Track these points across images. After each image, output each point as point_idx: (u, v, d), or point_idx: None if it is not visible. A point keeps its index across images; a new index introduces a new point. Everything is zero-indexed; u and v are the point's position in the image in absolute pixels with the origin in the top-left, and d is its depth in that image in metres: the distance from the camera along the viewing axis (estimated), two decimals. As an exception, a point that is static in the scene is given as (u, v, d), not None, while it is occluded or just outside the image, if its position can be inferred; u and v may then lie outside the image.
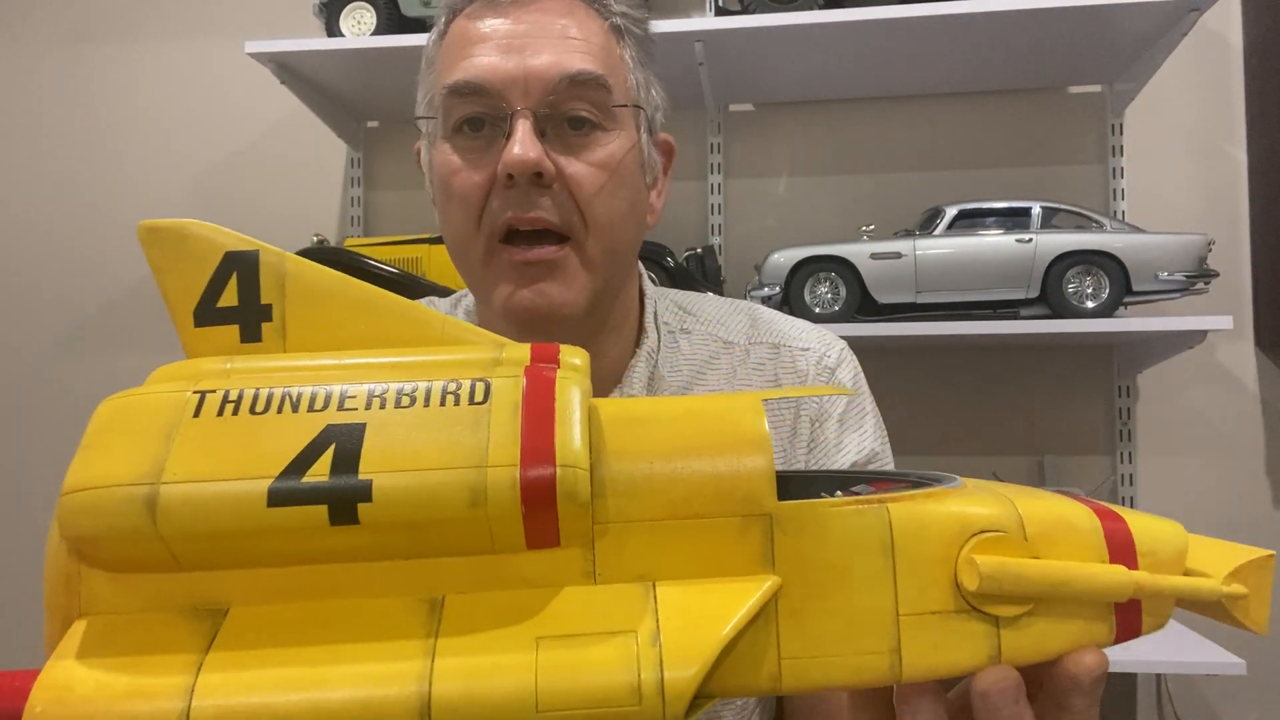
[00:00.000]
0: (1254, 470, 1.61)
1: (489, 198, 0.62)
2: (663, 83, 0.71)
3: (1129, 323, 1.37)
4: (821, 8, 1.45)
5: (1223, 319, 1.32)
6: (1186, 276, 1.36)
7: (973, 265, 1.40)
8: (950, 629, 0.32)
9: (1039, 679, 0.34)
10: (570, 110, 0.62)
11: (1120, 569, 0.33)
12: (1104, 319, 1.37)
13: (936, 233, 1.43)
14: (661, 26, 1.41)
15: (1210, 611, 0.34)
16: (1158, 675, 1.58)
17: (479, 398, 0.32)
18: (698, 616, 0.31)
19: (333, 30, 1.58)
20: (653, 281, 0.78)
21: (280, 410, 0.31)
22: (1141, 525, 0.34)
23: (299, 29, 1.78)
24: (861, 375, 0.75)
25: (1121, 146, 1.65)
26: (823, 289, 1.44)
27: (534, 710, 0.29)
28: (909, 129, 1.72)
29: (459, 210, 0.63)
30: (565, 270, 0.63)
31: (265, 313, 0.35)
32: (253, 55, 1.52)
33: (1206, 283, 1.39)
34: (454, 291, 0.82)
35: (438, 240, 1.54)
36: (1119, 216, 1.61)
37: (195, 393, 0.32)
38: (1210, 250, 1.40)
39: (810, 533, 0.33)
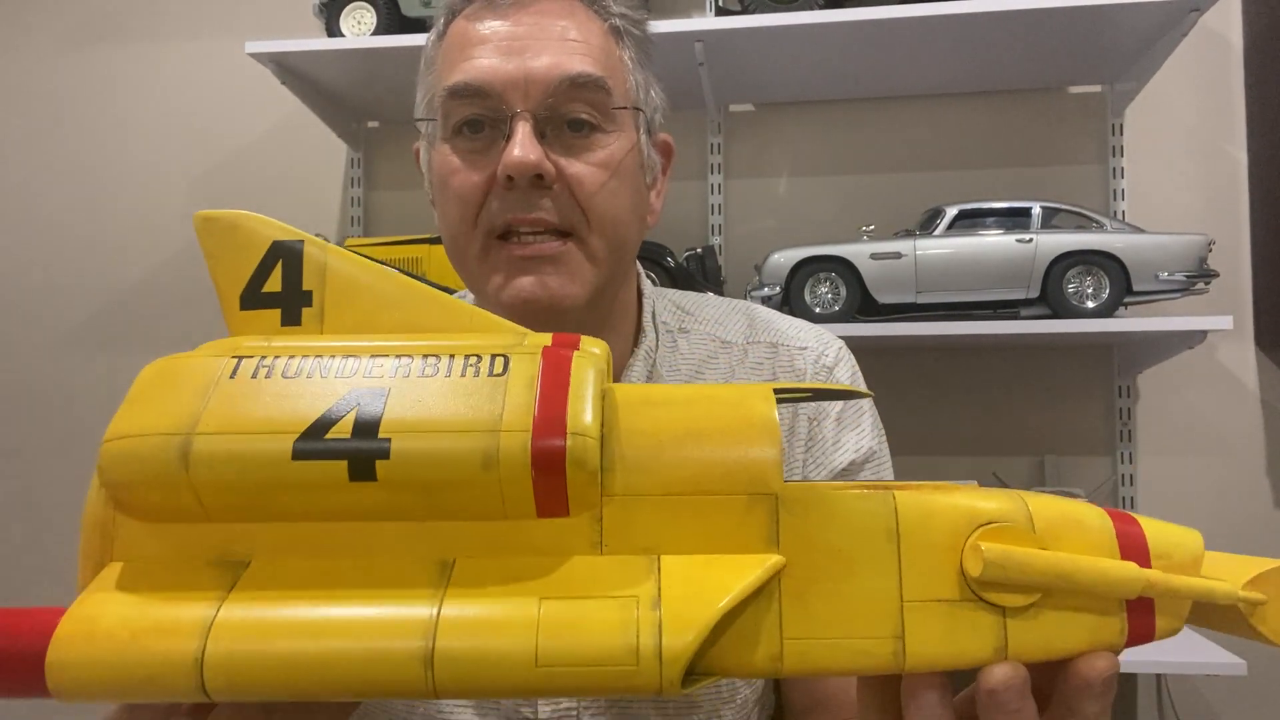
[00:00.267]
0: (1254, 470, 1.61)
1: (487, 198, 0.62)
2: (662, 83, 0.71)
3: (1129, 323, 1.37)
4: (821, 8, 1.45)
5: (1223, 319, 1.32)
6: (1187, 276, 1.36)
7: (973, 265, 1.40)
8: (955, 618, 0.32)
9: (1049, 688, 0.34)
10: (570, 112, 0.62)
11: (1130, 565, 0.32)
12: (1104, 319, 1.37)
13: (937, 233, 1.43)
14: (661, 26, 1.41)
15: (1227, 621, 0.34)
16: (1158, 675, 1.58)
17: (498, 370, 0.33)
18: (699, 587, 0.31)
19: (333, 30, 1.58)
20: (652, 281, 0.78)
21: (310, 376, 0.33)
22: (1156, 529, 0.34)
23: (299, 29, 1.78)
24: (859, 374, 0.75)
25: (1122, 146, 1.65)
26: (823, 289, 1.44)
27: (533, 665, 0.30)
28: (909, 129, 1.72)
29: (456, 209, 0.63)
30: (568, 262, 0.63)
31: (306, 298, 0.37)
32: (253, 55, 1.52)
33: (1207, 283, 1.39)
34: (455, 292, 0.82)
35: (438, 240, 1.54)
36: (1119, 216, 1.61)
37: (234, 358, 0.34)
38: (1210, 250, 1.40)
39: (816, 515, 0.33)
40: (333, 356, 0.34)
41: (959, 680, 0.35)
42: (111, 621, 0.31)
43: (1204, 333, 1.35)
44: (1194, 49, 1.59)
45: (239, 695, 0.30)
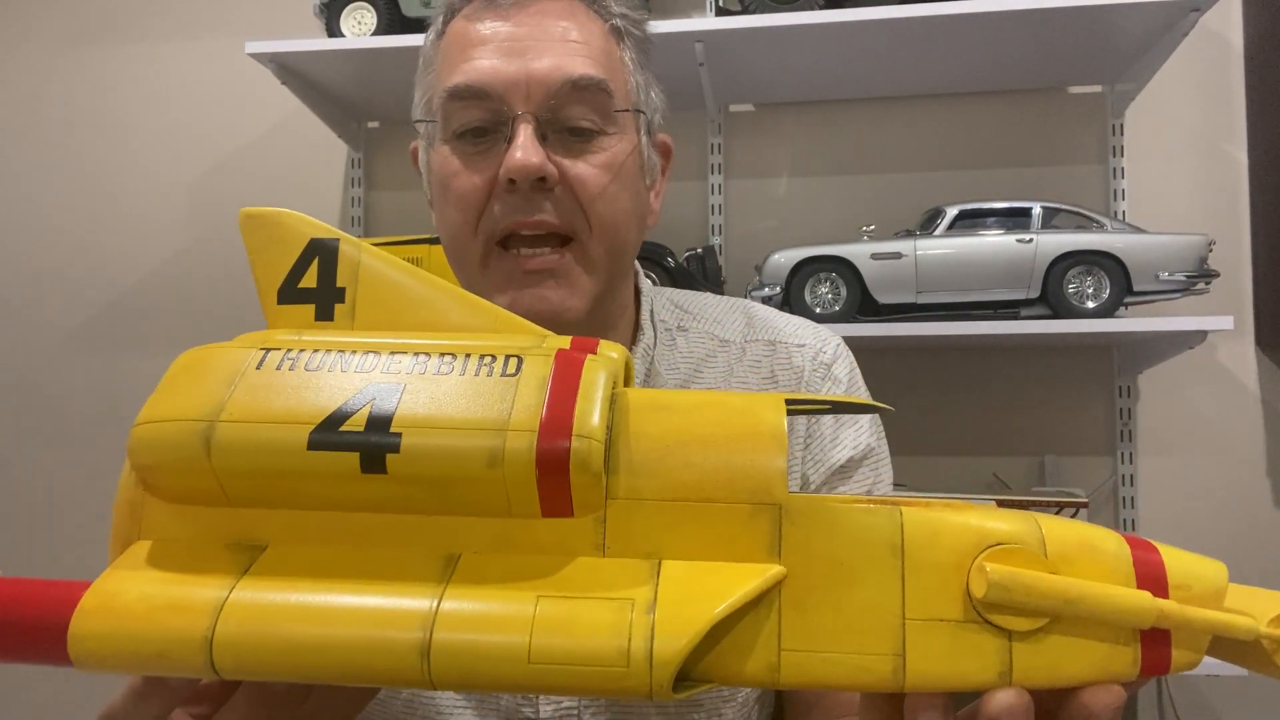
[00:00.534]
0: (1254, 470, 1.61)
1: (489, 201, 0.62)
2: (662, 83, 0.71)
3: (1130, 323, 1.37)
4: (821, 8, 1.45)
5: (1223, 319, 1.32)
6: (1187, 277, 1.36)
7: (973, 265, 1.40)
8: (958, 639, 0.32)
9: (1055, 708, 0.33)
10: (571, 118, 0.62)
11: (1144, 594, 0.31)
12: (1105, 319, 1.37)
13: (937, 233, 1.43)
14: (661, 27, 1.41)
15: (1249, 657, 0.33)
16: (1159, 676, 1.58)
17: (511, 370, 0.34)
18: (696, 593, 0.32)
19: (333, 30, 1.58)
20: (652, 281, 0.78)
21: (331, 370, 0.35)
22: (1177, 558, 0.33)
23: (299, 29, 1.78)
24: (857, 371, 0.75)
25: (1122, 147, 1.65)
26: (823, 289, 1.44)
27: (526, 661, 0.30)
28: (909, 129, 1.72)
29: (456, 212, 0.63)
30: (567, 275, 0.62)
31: (339, 295, 0.39)
32: (253, 55, 1.52)
33: (1207, 283, 1.38)
34: (454, 292, 0.82)
35: (438, 241, 1.54)
36: (1119, 217, 1.61)
37: (262, 349, 0.36)
38: (1211, 250, 1.40)
39: (819, 527, 0.33)
40: (354, 352, 0.35)
41: (960, 701, 0.35)
42: (131, 597, 0.32)
43: (1204, 333, 1.35)
44: (1194, 49, 1.59)
45: (244, 674, 0.31)
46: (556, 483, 0.32)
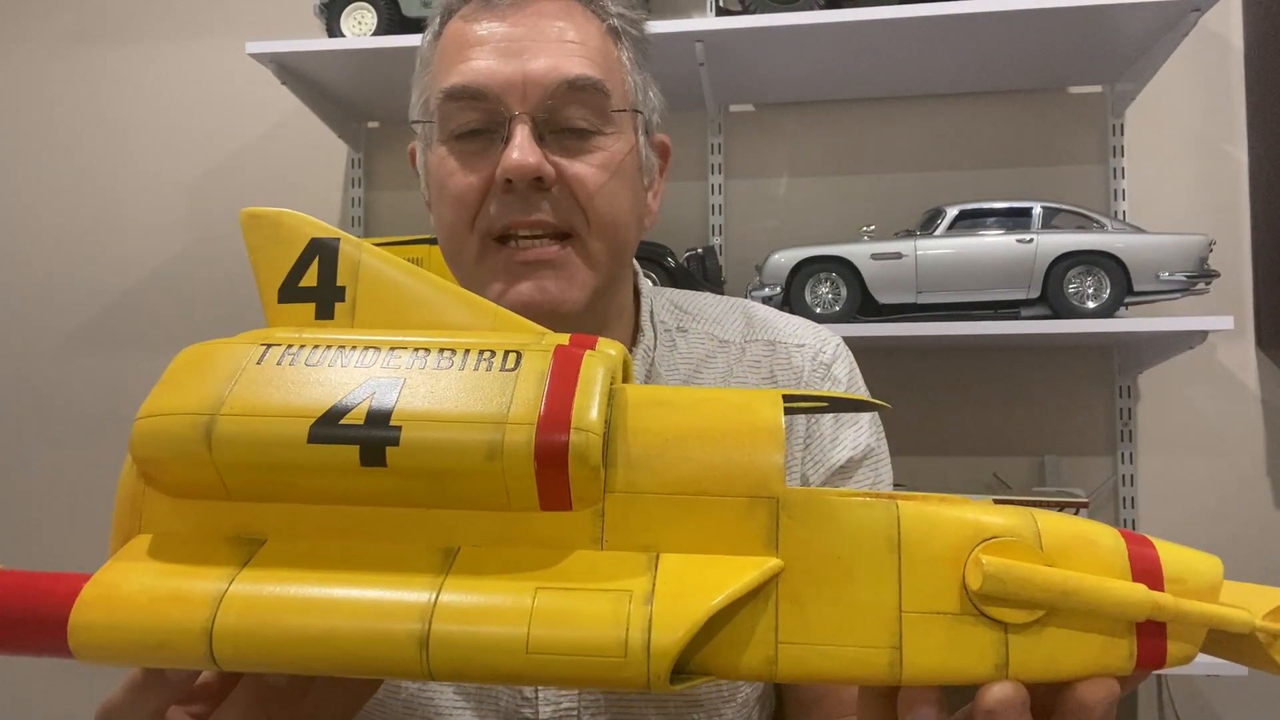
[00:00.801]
0: (1254, 470, 1.61)
1: (485, 201, 0.62)
2: (660, 83, 0.71)
3: (1130, 323, 1.37)
4: (821, 8, 1.45)
5: (1224, 319, 1.32)
6: (1187, 277, 1.36)
7: (973, 265, 1.40)
8: (955, 631, 0.32)
9: (1050, 704, 0.33)
10: (568, 117, 0.62)
11: (1139, 586, 0.32)
12: (1105, 319, 1.37)
13: (937, 233, 1.43)
14: (661, 27, 1.41)
15: (1245, 652, 0.33)
16: (1159, 676, 1.58)
17: (510, 365, 0.35)
18: (694, 585, 0.32)
19: (333, 30, 1.58)
20: (652, 281, 0.78)
21: (331, 365, 0.35)
22: (1172, 553, 0.33)
23: (300, 29, 1.78)
24: (857, 371, 0.75)
25: (1122, 147, 1.65)
26: (823, 289, 1.44)
27: (524, 652, 0.30)
28: (909, 129, 1.72)
29: (453, 212, 0.63)
30: (567, 266, 0.62)
31: (339, 294, 0.39)
32: (253, 55, 1.52)
33: (1207, 283, 1.39)
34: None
35: (438, 241, 1.54)
36: (1120, 217, 1.61)
37: (263, 345, 0.36)
38: (1211, 250, 1.40)
39: (816, 521, 0.33)
40: (354, 348, 0.36)
41: (956, 702, 0.35)
42: (132, 588, 0.32)
43: (1204, 333, 1.35)
44: (1194, 49, 1.59)
45: (244, 665, 0.31)
46: (555, 476, 0.32)
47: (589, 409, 0.33)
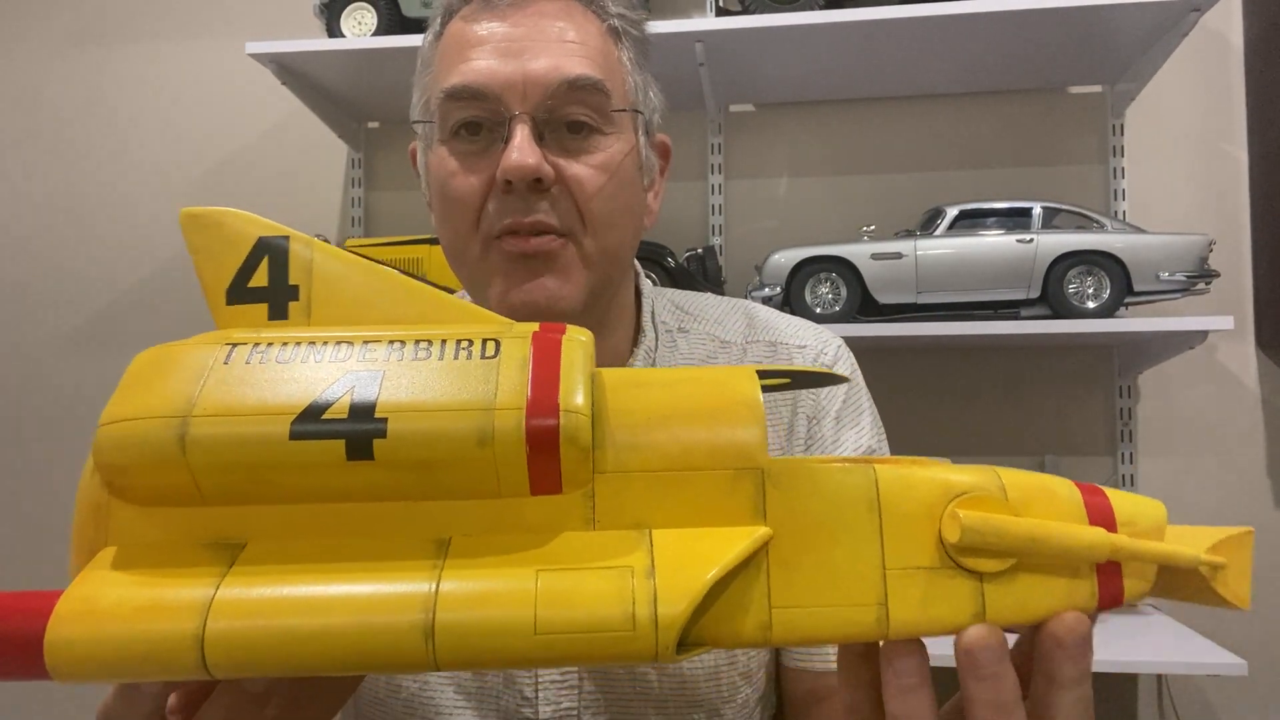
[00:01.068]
0: (1254, 470, 1.61)
1: (486, 201, 0.62)
2: (661, 83, 0.71)
3: (1130, 323, 1.37)
4: (821, 8, 1.45)
5: (1224, 319, 1.32)
6: (1187, 277, 1.36)
7: (973, 265, 1.40)
8: (935, 584, 0.33)
9: (1029, 676, 0.35)
10: (568, 115, 0.62)
11: (1099, 530, 0.34)
12: (1105, 319, 1.37)
13: (937, 233, 1.43)
14: (662, 27, 1.41)
15: (1191, 588, 0.35)
16: (1159, 676, 1.58)
17: (490, 353, 0.34)
18: (690, 558, 0.32)
19: (333, 31, 1.58)
20: (652, 281, 0.78)
21: (305, 362, 0.34)
22: (1121, 499, 0.36)
23: (300, 29, 1.78)
24: (859, 373, 0.76)
25: (1122, 147, 1.65)
26: (823, 289, 1.44)
27: (532, 633, 0.30)
28: (909, 129, 1.72)
29: (455, 213, 0.63)
30: (564, 263, 0.62)
31: (293, 292, 0.38)
32: (253, 56, 1.52)
33: (1207, 283, 1.39)
34: (455, 292, 0.82)
35: (438, 241, 1.54)
36: (1120, 217, 1.61)
37: (226, 345, 0.35)
38: (1211, 250, 1.40)
39: (800, 488, 0.34)
40: (325, 344, 0.35)
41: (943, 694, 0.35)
42: (110, 601, 0.31)
43: (1205, 333, 1.35)
44: (1194, 49, 1.59)
45: (240, 671, 0.31)
46: (547, 459, 0.32)
47: (575, 391, 0.33)
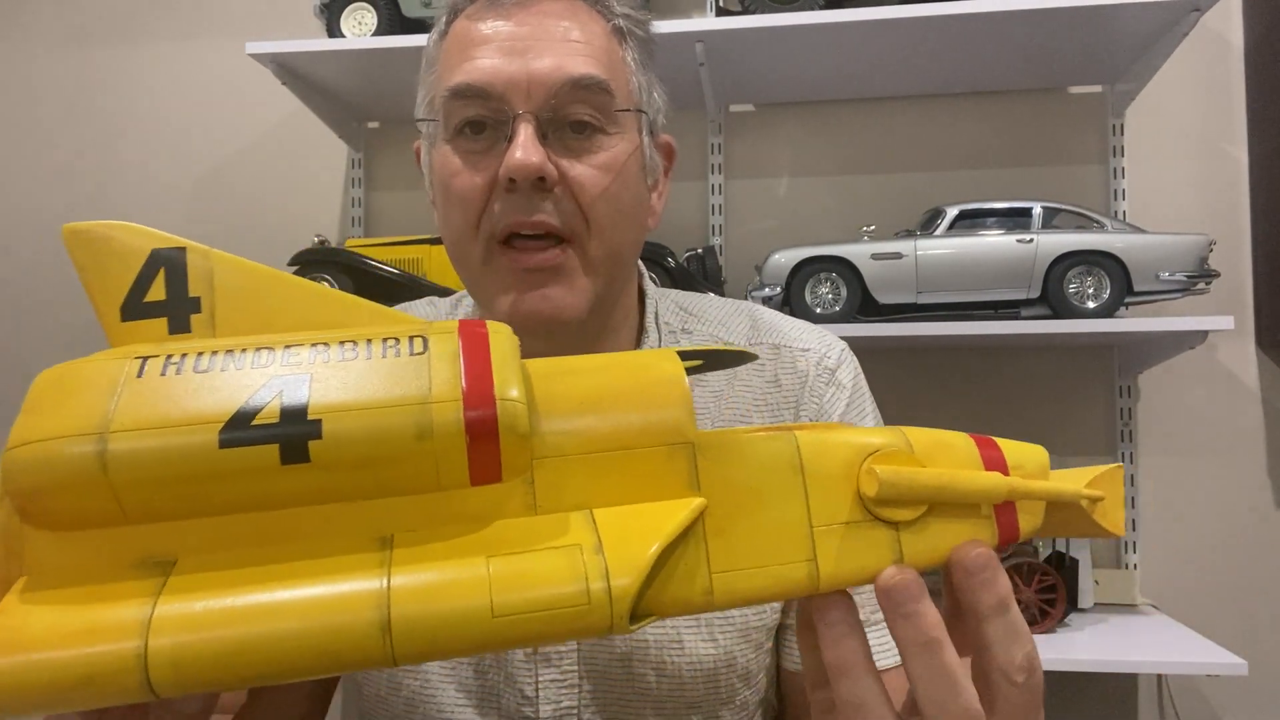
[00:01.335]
0: (1255, 470, 1.61)
1: (489, 200, 0.62)
2: (663, 83, 0.71)
3: (1130, 323, 1.37)
4: (822, 8, 1.45)
5: (1224, 319, 1.32)
6: (1188, 277, 1.36)
7: (974, 265, 1.40)
8: (857, 537, 0.36)
9: (968, 641, 0.37)
10: (572, 114, 0.62)
11: (996, 474, 0.37)
12: (1105, 319, 1.37)
13: (937, 233, 1.43)
14: (662, 27, 1.40)
15: (1076, 524, 0.39)
16: (1159, 676, 1.58)
17: (418, 349, 0.34)
18: (634, 532, 0.34)
19: (334, 31, 1.58)
20: (654, 282, 0.78)
21: (225, 370, 0.33)
22: (1010, 446, 0.39)
23: (300, 29, 1.78)
24: (862, 376, 0.75)
25: (1122, 147, 1.65)
26: (824, 289, 1.44)
27: (490, 618, 0.31)
28: (909, 129, 1.72)
29: (458, 212, 0.63)
30: (567, 273, 0.63)
31: (194, 304, 0.37)
32: (253, 56, 1.52)
33: (1208, 283, 1.39)
34: (454, 292, 0.82)
35: (438, 241, 1.54)
36: (1120, 217, 1.61)
37: (137, 358, 0.34)
38: (1211, 250, 1.40)
39: (730, 458, 0.36)
40: (244, 351, 0.34)
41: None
42: (38, 629, 0.30)
43: (1205, 333, 1.35)
44: (1194, 49, 1.59)
45: (188, 688, 0.30)
46: (486, 448, 0.32)
47: (510, 381, 0.33)
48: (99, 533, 0.32)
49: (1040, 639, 1.30)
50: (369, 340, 0.34)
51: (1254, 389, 1.61)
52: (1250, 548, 1.59)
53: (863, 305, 1.43)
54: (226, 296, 0.37)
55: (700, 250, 1.54)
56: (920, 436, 0.38)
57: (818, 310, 1.43)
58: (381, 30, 1.57)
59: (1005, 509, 0.38)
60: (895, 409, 1.73)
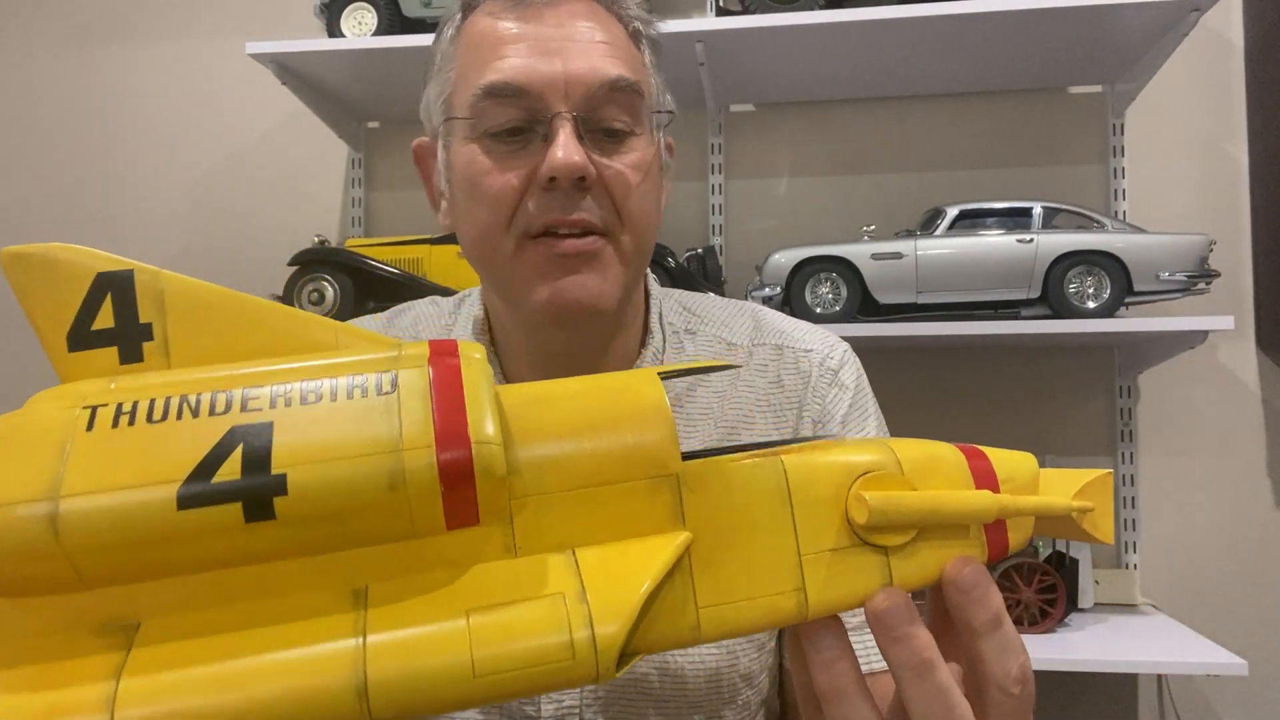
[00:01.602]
0: (1254, 470, 1.61)
1: (522, 199, 0.62)
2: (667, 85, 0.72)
3: (1130, 323, 1.37)
4: (822, 8, 1.45)
5: (1224, 319, 1.32)
6: (1188, 277, 1.36)
7: (974, 265, 1.40)
8: (847, 563, 0.35)
9: (958, 653, 0.37)
10: (606, 119, 0.62)
11: (986, 493, 0.36)
12: (1105, 319, 1.37)
13: (937, 233, 1.43)
14: (662, 27, 1.40)
15: (1065, 529, 0.38)
16: (1159, 676, 1.58)
17: (386, 388, 0.32)
18: (619, 574, 0.32)
19: (334, 31, 1.58)
20: (656, 282, 0.78)
21: (180, 417, 0.31)
22: (999, 456, 0.38)
23: (300, 29, 1.78)
24: (864, 377, 0.75)
25: (1122, 147, 1.65)
26: (824, 289, 1.44)
27: (471, 677, 0.29)
28: (909, 129, 1.72)
29: (487, 211, 0.62)
30: (603, 261, 0.63)
31: (145, 331, 0.34)
32: (254, 56, 1.52)
33: (1208, 283, 1.39)
34: (455, 292, 0.82)
35: (438, 241, 1.54)
36: (1120, 217, 1.61)
37: (85, 408, 0.32)
38: (1211, 250, 1.40)
39: (714, 488, 0.35)
40: (199, 394, 0.31)
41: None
42: (1, 711, 0.28)
43: (1205, 333, 1.35)
44: (1194, 49, 1.59)
45: None
46: (462, 493, 0.31)
47: (484, 420, 0.31)
48: (54, 599, 0.30)
49: (1040, 639, 1.30)
50: (334, 378, 0.32)
51: (1254, 389, 1.61)
52: (1250, 548, 1.59)
53: (863, 305, 1.43)
54: (180, 321, 0.34)
55: (700, 250, 1.54)
56: (908, 451, 0.37)
57: (818, 310, 1.43)
58: (382, 30, 1.57)
59: (995, 525, 0.37)
60: (895, 409, 1.73)
